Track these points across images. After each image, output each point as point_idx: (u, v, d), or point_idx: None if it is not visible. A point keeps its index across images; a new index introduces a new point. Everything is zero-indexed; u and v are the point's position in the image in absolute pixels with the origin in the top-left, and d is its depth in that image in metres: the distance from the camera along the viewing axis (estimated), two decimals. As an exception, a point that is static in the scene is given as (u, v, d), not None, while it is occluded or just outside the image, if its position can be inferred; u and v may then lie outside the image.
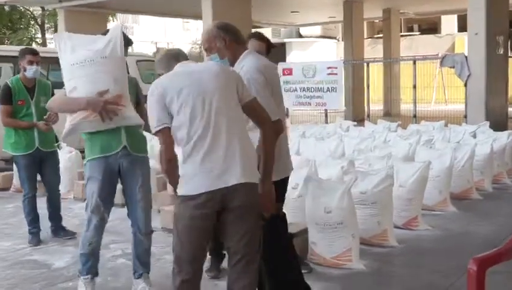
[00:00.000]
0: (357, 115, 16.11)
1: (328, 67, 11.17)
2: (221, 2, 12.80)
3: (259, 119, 2.99)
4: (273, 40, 22.80)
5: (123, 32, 3.90)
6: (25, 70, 5.35)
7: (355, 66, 16.21)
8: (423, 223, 5.56)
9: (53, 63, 10.53)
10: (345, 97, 17.92)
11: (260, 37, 3.90)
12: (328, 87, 11.16)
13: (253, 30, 15.97)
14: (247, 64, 3.26)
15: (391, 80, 18.63)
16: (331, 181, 4.93)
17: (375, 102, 20.24)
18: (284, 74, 11.74)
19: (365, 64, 14.76)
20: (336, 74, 11.08)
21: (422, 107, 18.07)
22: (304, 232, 4.67)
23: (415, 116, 10.77)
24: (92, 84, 3.69)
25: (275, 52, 4.16)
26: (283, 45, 27.89)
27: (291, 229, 4.62)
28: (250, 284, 2.91)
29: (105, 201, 3.83)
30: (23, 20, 21.62)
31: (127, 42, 3.96)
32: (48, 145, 5.53)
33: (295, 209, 5.32)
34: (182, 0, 14.42)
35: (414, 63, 11.08)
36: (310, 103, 11.51)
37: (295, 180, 5.34)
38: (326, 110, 11.80)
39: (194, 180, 2.76)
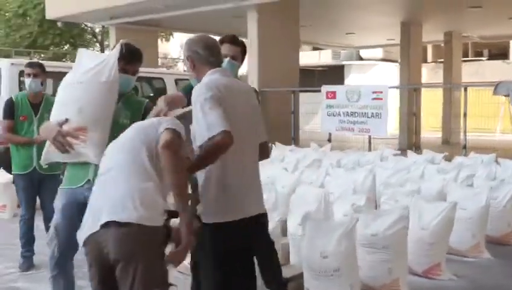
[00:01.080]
0: (412, 142, 15.31)
1: (373, 92, 10.55)
2: (267, 21, 12.45)
3: None
4: (332, 62, 22.37)
5: (130, 47, 3.48)
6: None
7: (410, 91, 15.46)
8: (447, 272, 4.90)
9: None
10: (399, 123, 17.29)
11: (233, 41, 3.49)
12: (372, 113, 10.53)
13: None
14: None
15: (451, 107, 17.72)
16: (331, 221, 4.39)
17: (435, 129, 19.44)
18: (327, 98, 11.21)
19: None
20: (381, 98, 10.43)
21: (486, 136, 17.07)
22: (300, 277, 4.16)
23: (464, 147, 9.96)
24: (57, 111, 3.36)
25: (331, 74, 3.74)
26: (342, 67, 27.28)
27: (286, 273, 4.14)
28: None
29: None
30: (83, 37, 22.09)
31: (133, 57, 3.50)
32: (48, 168, 4.96)
33: (301, 248, 4.83)
34: (230, 20, 14.17)
35: (465, 90, 10.30)
36: (353, 128, 10.89)
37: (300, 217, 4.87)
38: (370, 136, 11.14)
39: None
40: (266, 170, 7.65)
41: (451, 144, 16.83)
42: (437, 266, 4.88)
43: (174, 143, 2.56)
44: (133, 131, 2.77)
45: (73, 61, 4.04)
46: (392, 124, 16.26)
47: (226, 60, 3.38)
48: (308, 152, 9.56)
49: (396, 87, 13.13)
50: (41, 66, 5.30)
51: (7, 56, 17.38)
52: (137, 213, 2.46)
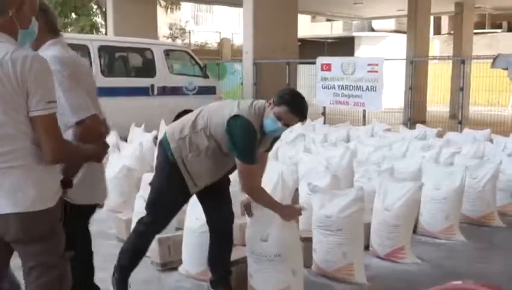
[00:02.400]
0: (416, 116, 14.90)
1: (369, 64, 10.19)
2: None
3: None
4: (343, 33, 21.94)
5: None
6: None
7: (417, 64, 14.99)
8: (411, 255, 4.63)
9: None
10: (404, 97, 16.82)
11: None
12: (367, 86, 10.18)
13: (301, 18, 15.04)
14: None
15: (460, 81, 17.18)
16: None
17: (443, 103, 18.92)
18: (322, 70, 10.89)
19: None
20: (377, 71, 10.07)
21: (496, 111, 16.57)
22: (242, 260, 3.93)
23: (460, 122, 9.59)
24: None
25: (341, 46, 3.49)
26: (352, 39, 26.67)
27: (236, 254, 3.93)
28: None
29: None
30: (87, 6, 21.75)
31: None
32: None
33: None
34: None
35: (463, 63, 9.88)
36: (348, 102, 10.57)
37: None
38: (364, 110, 10.81)
39: None
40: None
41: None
42: (401, 249, 4.60)
43: None
44: None
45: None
46: (401, 98, 15.85)
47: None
48: (296, 126, 9.27)
49: (394, 60, 12.64)
50: None
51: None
52: None
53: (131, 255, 3.62)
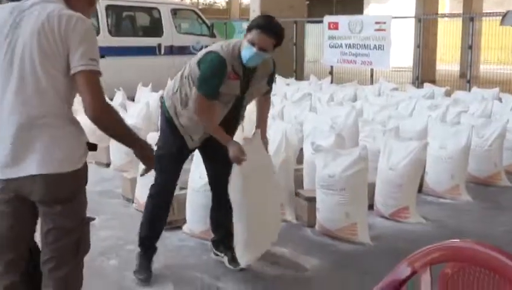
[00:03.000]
0: (425, 75, 14.72)
1: (376, 22, 10.02)
2: None
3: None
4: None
5: None
6: None
7: (426, 22, 14.72)
8: (416, 215, 4.63)
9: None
10: (413, 55, 16.59)
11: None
12: (375, 45, 10.03)
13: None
14: None
15: (471, 38, 16.89)
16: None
17: (454, 62, 18.64)
18: (329, 28, 10.73)
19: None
20: (384, 30, 9.91)
21: (508, 70, 16.30)
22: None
23: (468, 82, 9.46)
24: None
25: (350, 4, 3.41)
26: (361, -4, 26.18)
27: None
28: None
29: None
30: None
31: None
32: None
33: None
34: None
35: (471, 20, 9.70)
36: (355, 61, 10.44)
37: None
38: (372, 69, 10.68)
39: None
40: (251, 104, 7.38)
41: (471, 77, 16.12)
42: (405, 209, 4.60)
43: None
44: None
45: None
46: (410, 57, 15.65)
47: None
48: (303, 86, 9.22)
49: (402, 18, 12.41)
50: None
51: None
52: None
53: (149, 223, 3.59)
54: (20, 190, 2.25)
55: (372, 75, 10.80)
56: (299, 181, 4.90)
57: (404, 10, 24.59)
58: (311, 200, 4.34)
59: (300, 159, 5.22)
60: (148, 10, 11.04)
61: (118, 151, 5.93)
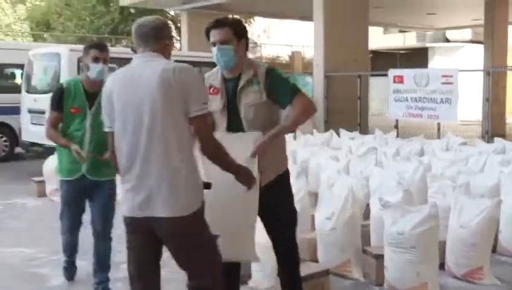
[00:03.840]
0: (495, 129, 14.32)
1: (443, 76, 9.89)
2: (335, 1, 11.99)
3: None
4: (416, 44, 21.43)
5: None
6: (88, 69, 4.12)
7: (495, 75, 14.44)
8: (490, 276, 4.42)
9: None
10: (482, 109, 16.20)
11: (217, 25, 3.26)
12: (441, 98, 9.87)
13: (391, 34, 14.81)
14: None
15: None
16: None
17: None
18: (394, 82, 10.65)
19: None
20: (452, 83, 9.75)
21: None
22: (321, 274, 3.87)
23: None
24: None
25: (415, 57, 3.43)
26: (426, 50, 26.04)
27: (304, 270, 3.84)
28: None
29: None
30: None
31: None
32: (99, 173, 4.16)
33: (328, 244, 4.55)
34: (297, 2, 13.80)
35: None
36: (421, 114, 10.28)
37: (330, 208, 4.58)
38: (439, 123, 10.46)
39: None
40: (316, 157, 7.36)
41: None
42: (479, 270, 4.41)
43: None
44: None
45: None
46: (478, 110, 15.31)
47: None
48: (368, 139, 9.12)
49: (469, 71, 12.20)
50: (107, 49, 4.29)
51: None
52: None
53: None
54: None
55: (439, 129, 10.56)
56: (365, 237, 4.80)
57: (471, 63, 24.29)
58: (380, 257, 4.23)
59: (366, 215, 5.13)
60: (213, 65, 11.29)
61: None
